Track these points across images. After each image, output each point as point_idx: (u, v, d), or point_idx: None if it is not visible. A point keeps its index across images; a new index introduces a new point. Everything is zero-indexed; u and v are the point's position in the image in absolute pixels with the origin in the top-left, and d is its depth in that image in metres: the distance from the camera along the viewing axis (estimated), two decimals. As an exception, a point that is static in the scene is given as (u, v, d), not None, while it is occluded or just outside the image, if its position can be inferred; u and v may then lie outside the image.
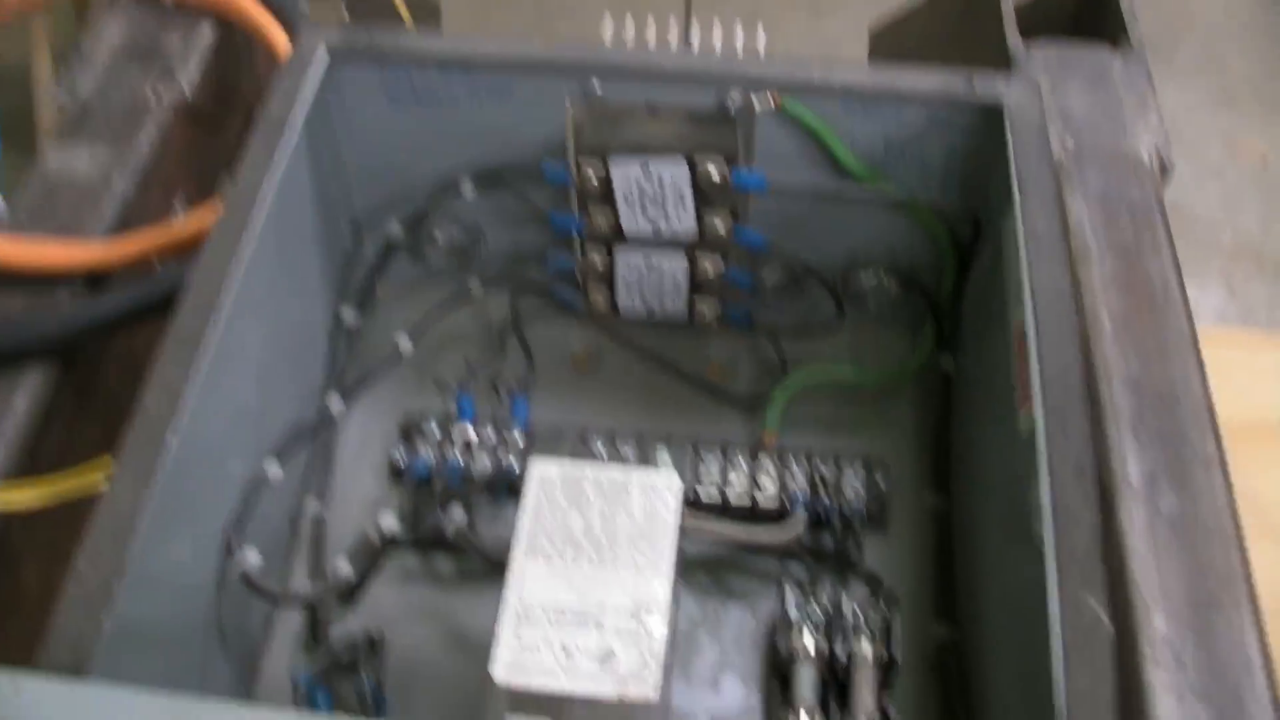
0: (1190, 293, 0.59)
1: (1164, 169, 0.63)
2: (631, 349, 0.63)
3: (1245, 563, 0.52)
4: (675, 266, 0.59)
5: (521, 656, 0.41)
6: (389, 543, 0.51)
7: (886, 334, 0.62)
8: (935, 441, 0.60)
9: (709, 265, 0.59)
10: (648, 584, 0.42)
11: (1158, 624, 0.49)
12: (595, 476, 0.44)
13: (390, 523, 0.52)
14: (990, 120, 0.52)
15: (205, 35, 0.66)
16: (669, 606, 0.42)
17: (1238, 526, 0.53)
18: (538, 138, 0.56)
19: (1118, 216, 0.60)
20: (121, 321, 0.54)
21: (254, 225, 0.47)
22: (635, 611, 0.42)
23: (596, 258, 0.59)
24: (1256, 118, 1.76)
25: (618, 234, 0.58)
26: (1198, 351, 0.57)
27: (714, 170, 0.54)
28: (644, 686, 0.40)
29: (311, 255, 0.57)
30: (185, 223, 0.59)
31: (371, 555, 0.52)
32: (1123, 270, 0.59)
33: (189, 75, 0.63)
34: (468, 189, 0.58)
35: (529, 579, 0.43)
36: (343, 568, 0.52)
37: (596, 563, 0.42)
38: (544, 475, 0.44)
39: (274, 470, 0.52)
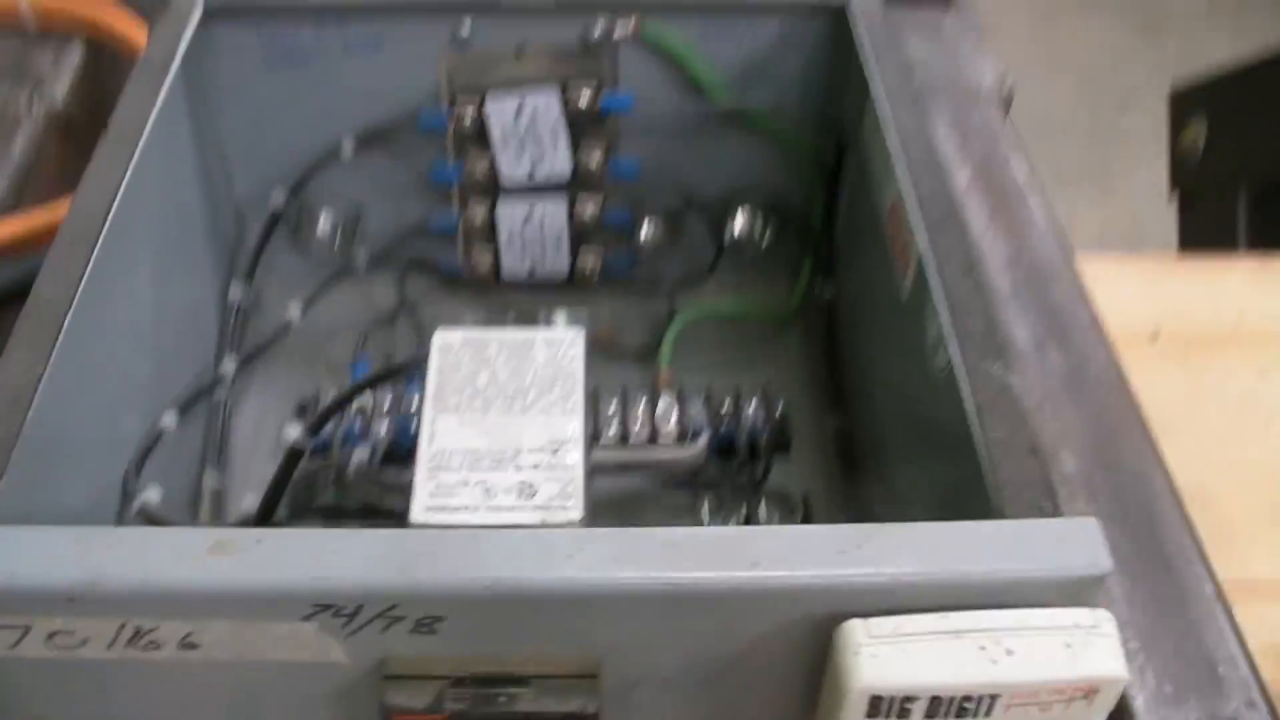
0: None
1: (1007, 102, 0.70)
2: (520, 318, 0.66)
3: (1136, 406, 0.56)
4: (555, 212, 0.63)
5: (439, 499, 0.42)
6: (295, 455, 0.52)
7: (768, 269, 0.67)
8: (828, 365, 0.63)
9: (588, 206, 0.63)
10: (560, 424, 0.44)
11: (1067, 464, 0.53)
12: (499, 337, 0.47)
13: (294, 432, 0.52)
14: (839, 27, 0.58)
15: (76, 53, 0.69)
16: (585, 441, 0.44)
17: (1122, 376, 0.57)
18: (414, 92, 0.60)
19: (969, 136, 0.67)
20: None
21: (127, 189, 0.48)
22: (551, 449, 0.43)
23: (478, 210, 0.62)
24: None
25: (495, 183, 0.61)
26: (1061, 237, 0.63)
27: (584, 96, 0.59)
28: (567, 513, 0.42)
29: (194, 229, 0.59)
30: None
31: (279, 474, 0.52)
32: (981, 178, 0.65)
33: (61, 89, 0.66)
34: (348, 149, 0.61)
35: (440, 432, 0.44)
36: (248, 501, 0.52)
37: (507, 411, 0.44)
38: (447, 341, 0.46)
39: (169, 420, 0.53)
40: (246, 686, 0.37)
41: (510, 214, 0.63)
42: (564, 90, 0.59)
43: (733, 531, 0.40)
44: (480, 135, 0.60)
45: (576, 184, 0.62)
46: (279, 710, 0.38)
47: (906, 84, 0.54)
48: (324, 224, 0.65)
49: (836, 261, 0.64)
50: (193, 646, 0.35)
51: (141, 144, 0.49)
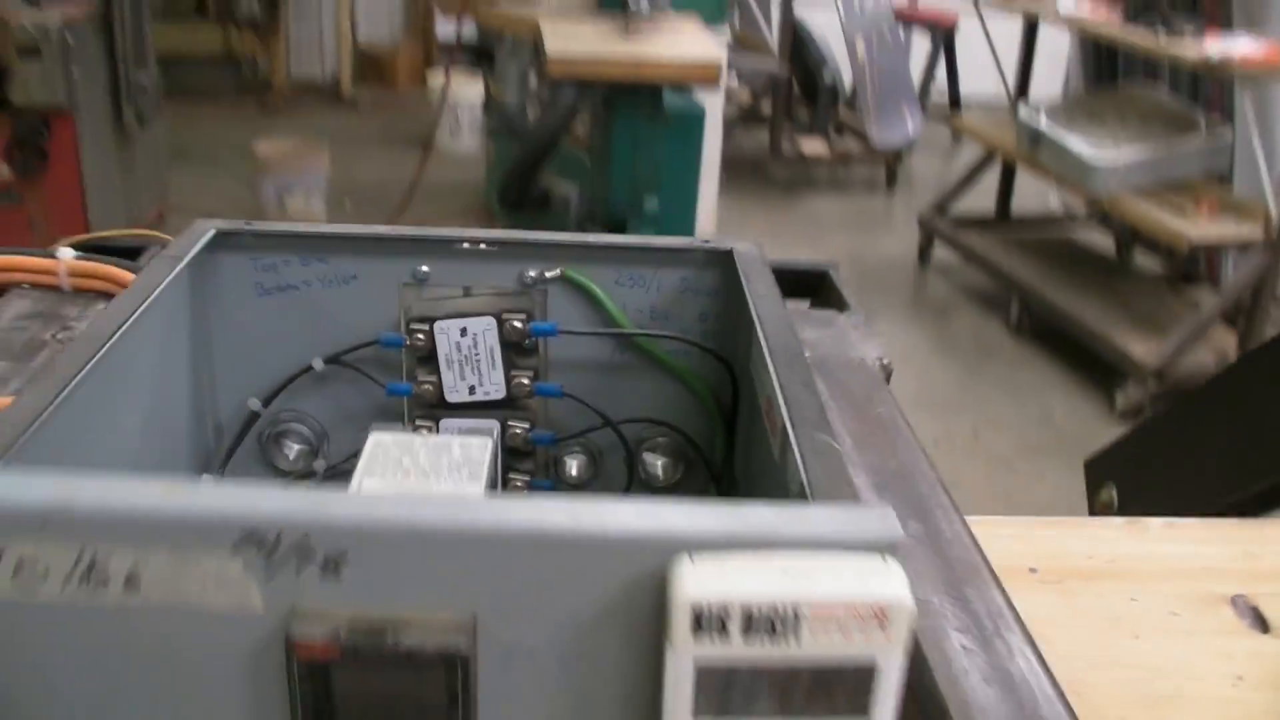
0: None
1: (887, 373, 0.83)
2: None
3: (987, 562, 0.64)
4: (489, 428, 0.74)
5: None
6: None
7: (677, 494, 0.76)
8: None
9: (519, 428, 0.74)
10: (467, 487, 0.53)
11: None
12: (423, 439, 0.56)
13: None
14: (728, 273, 0.73)
15: (100, 305, 0.82)
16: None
17: (976, 543, 0.66)
18: (378, 320, 0.73)
19: (850, 390, 0.79)
20: None
21: (118, 357, 0.59)
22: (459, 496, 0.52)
23: (424, 426, 0.73)
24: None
25: (441, 401, 0.73)
26: (928, 458, 0.73)
27: (516, 323, 0.72)
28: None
29: (178, 419, 0.70)
30: None
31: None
32: (856, 413, 0.76)
33: (82, 328, 0.79)
34: (318, 366, 0.73)
35: (366, 488, 0.53)
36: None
37: (424, 479, 0.53)
38: (379, 439, 0.56)
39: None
40: (174, 639, 0.43)
41: (451, 428, 0.74)
42: (500, 320, 0.72)
43: (602, 497, 0.47)
44: (430, 357, 0.73)
45: (509, 404, 0.74)
46: (199, 669, 0.44)
47: (782, 312, 0.67)
48: (290, 442, 0.75)
49: (736, 489, 0.74)
50: (135, 587, 0.42)
51: (138, 317, 0.62)
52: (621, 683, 0.44)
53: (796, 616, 0.40)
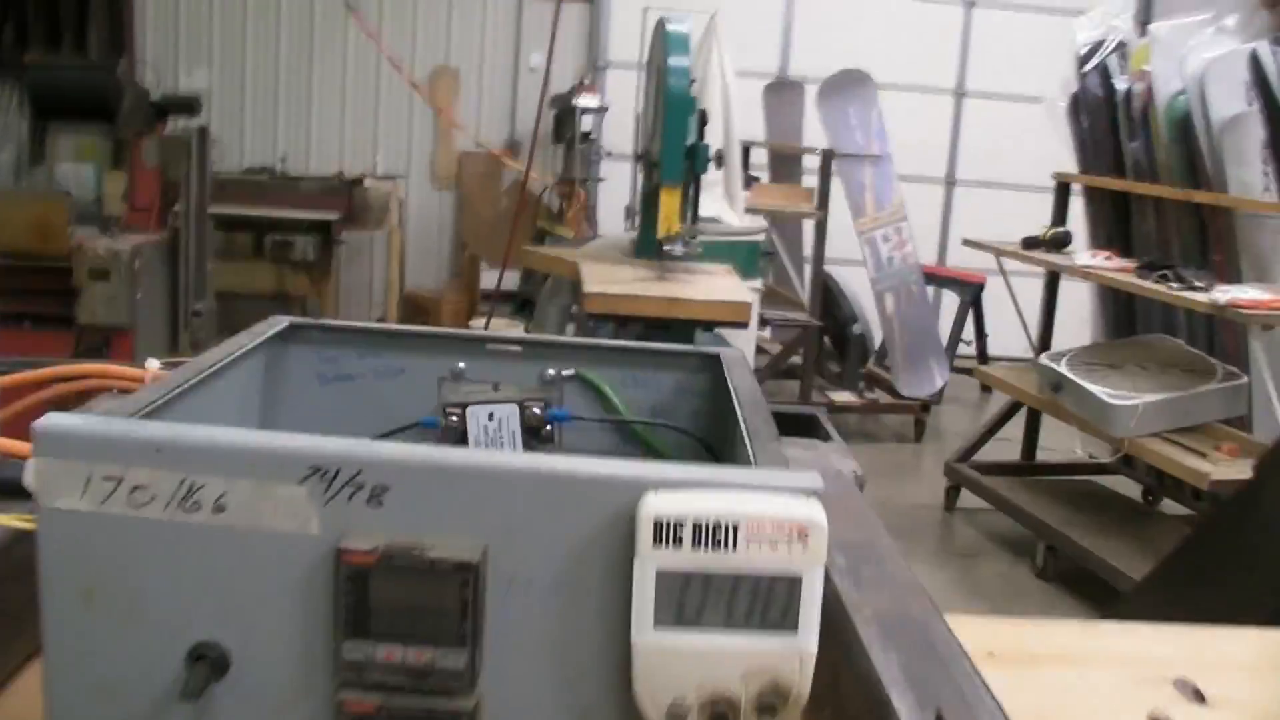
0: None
1: (860, 483, 0.96)
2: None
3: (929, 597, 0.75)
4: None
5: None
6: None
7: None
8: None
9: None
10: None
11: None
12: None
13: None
14: (716, 376, 0.87)
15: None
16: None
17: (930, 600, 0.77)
18: (421, 407, 0.87)
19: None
20: None
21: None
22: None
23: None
24: None
25: (469, 478, 0.86)
26: (887, 534, 0.85)
27: (536, 410, 0.86)
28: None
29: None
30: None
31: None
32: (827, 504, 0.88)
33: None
34: (364, 444, 0.87)
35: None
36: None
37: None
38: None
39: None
40: (246, 555, 0.55)
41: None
42: (522, 407, 0.86)
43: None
44: (461, 438, 0.86)
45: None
46: (262, 580, 0.56)
47: (757, 395, 0.81)
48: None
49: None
50: (221, 511, 0.55)
51: (221, 368, 0.76)
52: (599, 606, 0.56)
53: (735, 529, 0.52)
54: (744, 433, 0.69)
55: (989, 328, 5.94)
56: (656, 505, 0.53)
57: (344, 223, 5.56)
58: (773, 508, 0.53)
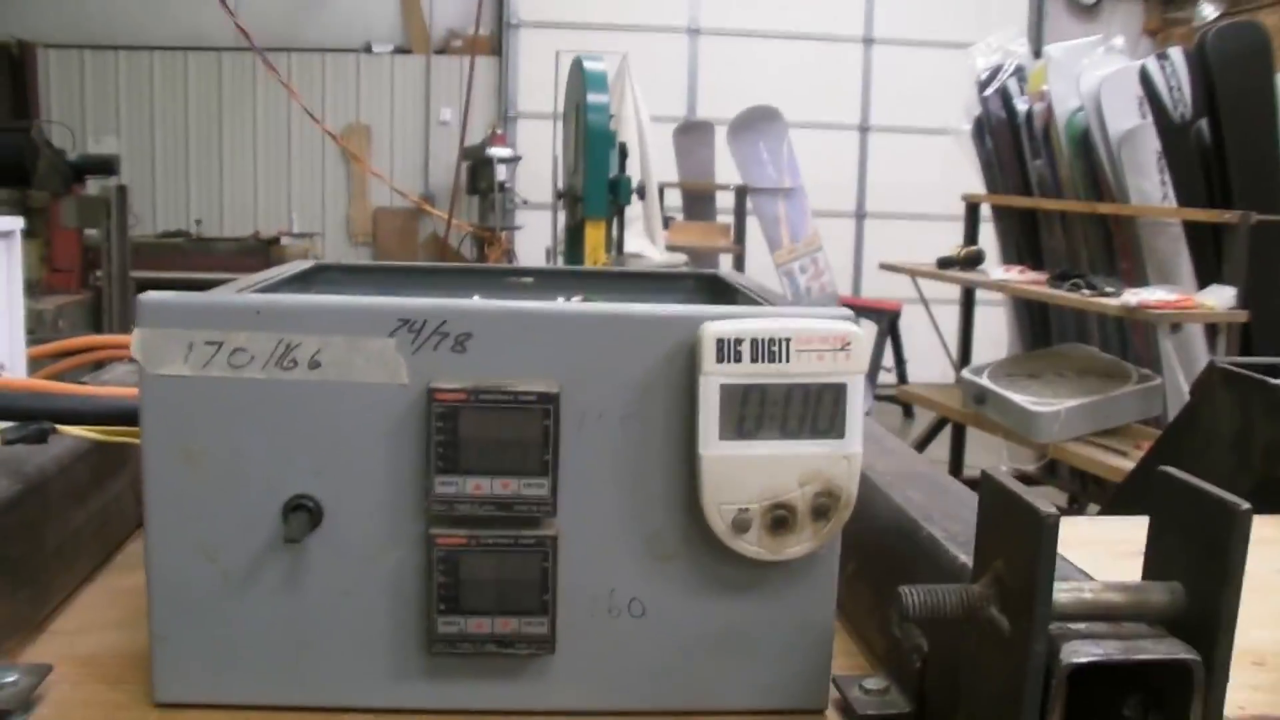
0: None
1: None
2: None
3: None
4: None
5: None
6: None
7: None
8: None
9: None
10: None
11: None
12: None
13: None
14: (716, 294, 0.94)
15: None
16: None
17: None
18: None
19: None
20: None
21: None
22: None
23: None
24: None
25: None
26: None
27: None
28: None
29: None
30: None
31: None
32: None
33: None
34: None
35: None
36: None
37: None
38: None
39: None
40: (342, 405, 0.61)
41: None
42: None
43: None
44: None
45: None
46: (356, 429, 0.61)
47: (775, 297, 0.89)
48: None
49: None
50: (317, 366, 0.61)
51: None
52: (664, 433, 0.62)
53: (787, 342, 0.60)
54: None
55: (907, 354, 6.11)
56: (718, 327, 0.60)
57: (262, 283, 5.57)
58: (818, 324, 0.60)
